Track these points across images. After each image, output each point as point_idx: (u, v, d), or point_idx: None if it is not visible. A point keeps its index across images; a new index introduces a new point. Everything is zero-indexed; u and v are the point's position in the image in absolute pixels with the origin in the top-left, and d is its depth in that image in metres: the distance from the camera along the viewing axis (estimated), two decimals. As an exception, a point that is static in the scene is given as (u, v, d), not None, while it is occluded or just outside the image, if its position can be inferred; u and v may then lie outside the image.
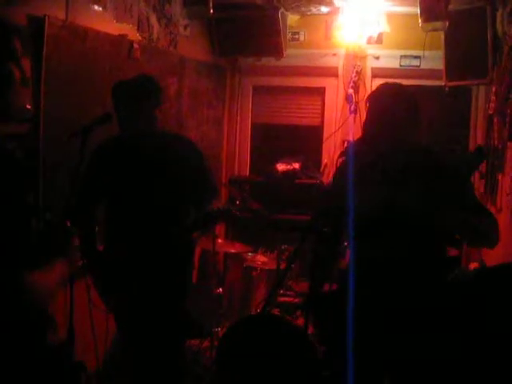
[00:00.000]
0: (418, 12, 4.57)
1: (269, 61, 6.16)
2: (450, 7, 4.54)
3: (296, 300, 4.84)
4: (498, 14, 4.81)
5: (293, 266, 4.81)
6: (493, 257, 4.26)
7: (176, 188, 3.49)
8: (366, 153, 2.89)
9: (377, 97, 2.99)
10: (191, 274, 3.81)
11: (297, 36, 6.23)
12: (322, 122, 6.44)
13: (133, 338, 3.58)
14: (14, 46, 2.05)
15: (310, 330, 3.92)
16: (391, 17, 5.83)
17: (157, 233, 3.43)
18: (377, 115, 2.93)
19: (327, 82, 6.36)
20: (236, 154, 6.65)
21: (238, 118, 6.62)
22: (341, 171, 3.02)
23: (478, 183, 5.12)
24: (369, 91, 6.03)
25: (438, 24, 4.64)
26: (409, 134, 2.93)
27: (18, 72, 2.04)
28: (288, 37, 6.08)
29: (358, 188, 2.80)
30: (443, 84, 5.37)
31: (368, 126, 2.95)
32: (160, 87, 3.55)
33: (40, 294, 2.01)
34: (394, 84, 3.10)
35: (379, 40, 5.95)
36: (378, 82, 6.09)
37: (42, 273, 2.06)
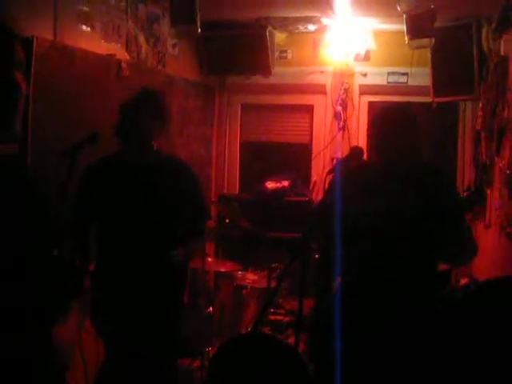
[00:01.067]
0: (405, 29, 4.60)
1: (257, 79, 6.18)
2: (437, 24, 4.57)
3: (286, 318, 4.82)
4: (484, 30, 4.86)
5: (283, 284, 4.81)
6: (483, 271, 4.27)
7: (165, 211, 3.46)
8: (367, 169, 2.94)
9: (381, 124, 3.07)
10: (182, 296, 3.77)
11: (284, 54, 6.25)
12: (311, 139, 6.45)
13: (122, 358, 3.54)
14: (19, 56, 2.02)
15: (301, 348, 3.91)
16: (378, 34, 5.86)
17: (146, 254, 3.40)
18: (383, 140, 3.00)
19: (315, 100, 6.38)
20: (225, 171, 6.65)
21: (227, 136, 6.62)
22: (335, 187, 3.05)
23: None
24: (357, 108, 6.08)
25: (425, 41, 4.67)
26: (412, 151, 3.01)
27: (24, 83, 2.02)
28: (276, 55, 6.11)
29: (360, 200, 2.84)
30: (431, 100, 5.40)
31: (374, 148, 3.03)
32: (156, 103, 3.49)
33: (65, 349, 1.98)
34: (398, 109, 3.20)
35: (366, 57, 5.98)
36: (366, 98, 6.15)
37: (64, 327, 2.02)
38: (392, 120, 3.07)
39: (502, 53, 4.32)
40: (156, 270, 3.41)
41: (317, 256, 4.17)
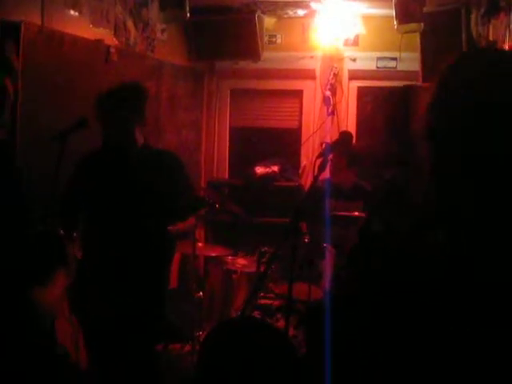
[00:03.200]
0: (394, 14, 4.61)
1: (246, 64, 6.18)
2: (425, 9, 4.59)
3: (276, 302, 4.85)
4: (473, 16, 4.87)
5: (273, 268, 4.83)
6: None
7: (150, 199, 3.45)
8: None
9: None
10: (167, 280, 3.78)
11: (274, 39, 6.25)
12: (300, 124, 6.46)
13: (103, 348, 3.53)
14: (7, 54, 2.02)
15: (291, 333, 3.94)
16: (367, 19, 5.86)
17: (131, 241, 3.41)
18: None
19: (305, 85, 6.39)
20: (214, 157, 6.65)
21: (216, 121, 6.62)
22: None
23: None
24: (346, 93, 6.09)
25: (414, 26, 4.68)
26: None
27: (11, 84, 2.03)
28: (265, 40, 6.10)
29: None
30: (420, 85, 5.42)
31: None
32: (138, 95, 3.46)
33: (49, 308, 2.01)
34: None
35: (355, 42, 5.99)
36: (355, 83, 6.16)
37: (48, 288, 2.06)
38: None
39: (490, 38, 4.35)
40: (141, 257, 3.42)
41: (306, 240, 4.20)
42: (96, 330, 3.49)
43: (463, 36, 4.92)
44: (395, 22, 4.63)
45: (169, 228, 3.66)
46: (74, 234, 3.55)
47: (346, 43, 5.98)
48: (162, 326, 3.75)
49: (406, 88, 5.62)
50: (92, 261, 3.48)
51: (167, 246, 3.65)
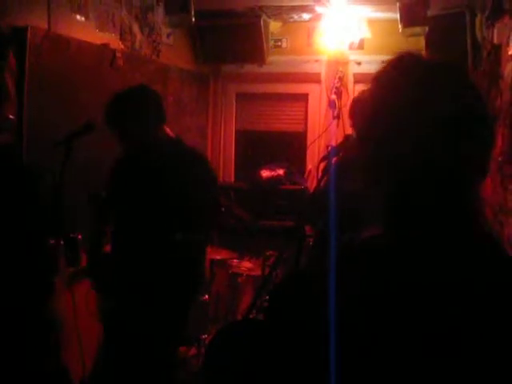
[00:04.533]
0: (398, 18, 4.62)
1: (252, 68, 6.20)
2: (430, 12, 4.59)
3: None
4: (477, 19, 4.87)
5: (278, 270, 4.84)
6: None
7: (173, 204, 3.40)
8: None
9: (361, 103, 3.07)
10: (196, 287, 3.76)
11: (279, 43, 6.26)
12: (306, 127, 6.47)
13: (121, 345, 3.56)
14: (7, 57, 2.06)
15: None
16: (372, 23, 5.87)
17: (156, 245, 3.40)
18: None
19: (310, 88, 6.40)
20: (220, 160, 6.66)
21: (222, 125, 6.64)
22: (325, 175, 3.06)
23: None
24: (351, 97, 6.09)
25: (418, 29, 4.69)
26: None
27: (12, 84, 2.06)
28: (270, 44, 6.12)
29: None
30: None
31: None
32: (149, 97, 3.45)
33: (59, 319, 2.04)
34: None
35: (360, 46, 6.00)
36: (360, 87, 6.16)
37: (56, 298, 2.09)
38: None
39: (495, 41, 4.34)
40: (165, 261, 3.40)
41: (311, 243, 4.20)
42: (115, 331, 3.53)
43: (468, 39, 4.91)
44: (400, 26, 4.64)
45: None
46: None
47: (351, 47, 5.99)
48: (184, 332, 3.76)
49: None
50: (117, 260, 3.52)
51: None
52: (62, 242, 3.29)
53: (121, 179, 3.55)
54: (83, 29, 4.18)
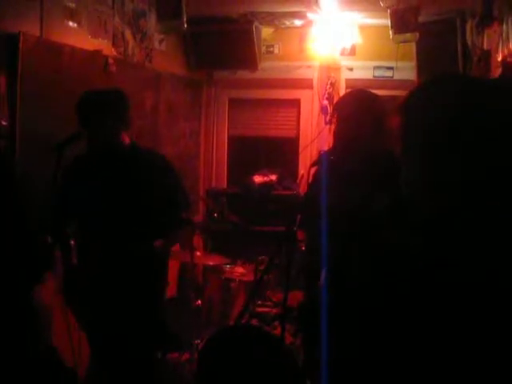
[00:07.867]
0: (389, 24, 4.64)
1: (244, 74, 6.22)
2: (421, 19, 4.62)
3: (274, 310, 4.86)
4: (468, 25, 4.91)
5: (270, 276, 4.85)
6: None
7: (138, 204, 3.45)
8: (336, 162, 2.94)
9: (342, 106, 3.06)
10: (162, 289, 3.79)
11: (271, 49, 6.29)
12: (298, 133, 6.50)
13: (104, 352, 3.58)
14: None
15: (288, 340, 3.95)
16: (364, 29, 5.91)
17: (121, 248, 3.41)
18: (342, 124, 2.99)
19: (302, 94, 6.42)
20: (213, 166, 6.68)
21: (215, 130, 6.66)
22: (316, 180, 3.06)
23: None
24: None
25: (409, 35, 4.71)
26: (374, 140, 2.96)
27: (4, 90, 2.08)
28: (263, 50, 6.15)
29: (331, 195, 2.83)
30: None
31: (336, 135, 3.02)
32: (120, 99, 3.47)
33: (45, 308, 2.05)
34: (358, 92, 3.16)
35: (352, 52, 6.03)
36: (352, 93, 6.18)
37: (42, 287, 2.11)
38: (351, 103, 3.10)
39: (484, 47, 4.38)
40: (133, 264, 3.42)
41: (303, 248, 4.22)
42: (93, 335, 3.54)
43: (458, 45, 4.95)
44: (391, 32, 4.66)
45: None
46: (72, 242, 3.58)
47: (343, 53, 6.02)
48: (159, 334, 3.77)
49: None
50: (86, 267, 3.50)
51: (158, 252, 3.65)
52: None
53: (82, 180, 3.52)
54: (75, 35, 4.18)
